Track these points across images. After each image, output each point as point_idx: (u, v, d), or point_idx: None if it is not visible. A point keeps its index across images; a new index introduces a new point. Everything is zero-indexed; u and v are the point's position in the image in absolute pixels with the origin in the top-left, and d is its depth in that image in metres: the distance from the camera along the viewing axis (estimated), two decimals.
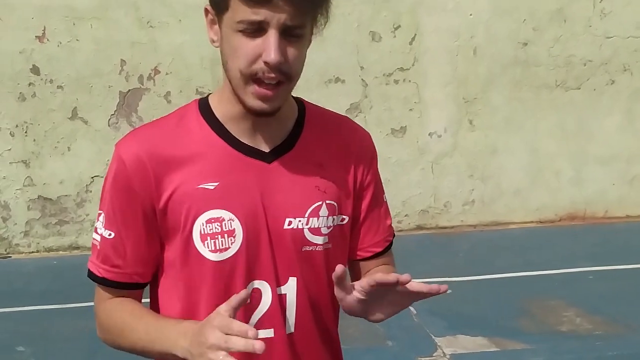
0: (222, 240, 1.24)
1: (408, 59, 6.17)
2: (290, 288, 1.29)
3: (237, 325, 1.07)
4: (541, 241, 5.91)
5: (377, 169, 1.42)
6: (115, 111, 5.86)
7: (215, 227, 1.24)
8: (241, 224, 1.25)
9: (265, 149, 1.27)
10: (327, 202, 1.30)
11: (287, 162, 1.28)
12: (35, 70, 5.72)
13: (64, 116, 5.80)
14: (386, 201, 1.45)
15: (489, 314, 4.37)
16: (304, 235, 1.29)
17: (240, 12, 1.15)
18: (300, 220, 1.28)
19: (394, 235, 1.47)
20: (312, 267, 1.30)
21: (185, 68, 5.87)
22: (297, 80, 1.23)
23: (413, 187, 6.32)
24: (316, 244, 1.30)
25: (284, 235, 1.27)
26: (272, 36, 1.15)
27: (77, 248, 5.93)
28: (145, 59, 5.82)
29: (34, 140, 5.79)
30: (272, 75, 1.17)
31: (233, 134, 1.26)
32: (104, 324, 1.34)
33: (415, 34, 6.15)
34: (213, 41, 1.25)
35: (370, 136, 1.41)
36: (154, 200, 1.24)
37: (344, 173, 1.34)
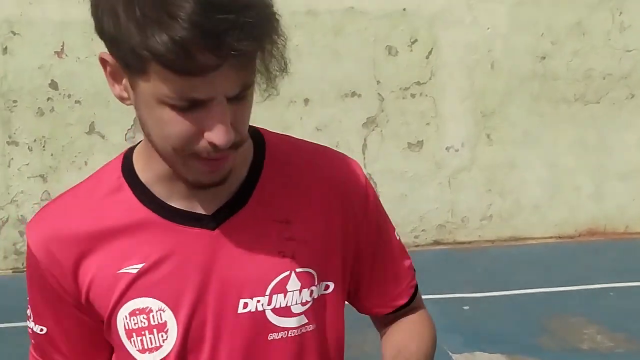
0: (150, 337, 0.98)
1: (425, 73, 6.15)
2: None
3: None
4: (561, 257, 5.83)
5: (376, 204, 1.10)
6: (132, 126, 5.88)
7: (142, 321, 0.98)
8: (174, 315, 0.97)
9: (207, 211, 0.98)
10: (298, 270, 1.00)
11: (238, 224, 0.99)
12: (53, 85, 5.76)
13: (81, 131, 5.83)
14: (399, 239, 1.14)
15: (507, 330, 4.31)
16: (268, 320, 0.99)
17: (167, 84, 0.85)
18: (259, 301, 0.99)
19: (415, 274, 1.18)
20: (297, 356, 1.02)
21: None
22: (247, 137, 0.97)
23: (430, 202, 6.28)
24: (287, 329, 1.00)
25: (239, 323, 0.99)
26: (218, 114, 0.87)
27: None
28: None
29: (52, 154, 5.83)
30: (220, 153, 0.90)
31: (161, 199, 0.98)
32: None
33: (432, 48, 6.13)
34: (122, 98, 0.95)
35: (358, 165, 1.09)
36: (74, 294, 1.01)
37: (324, 225, 1.03)
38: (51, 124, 5.79)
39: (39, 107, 5.77)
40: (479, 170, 6.31)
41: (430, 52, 6.13)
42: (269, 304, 0.99)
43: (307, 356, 1.04)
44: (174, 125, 0.88)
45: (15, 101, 5.74)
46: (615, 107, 6.40)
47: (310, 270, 1.02)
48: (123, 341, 1.00)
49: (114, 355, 1.07)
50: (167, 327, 0.98)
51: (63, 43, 5.72)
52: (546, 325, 4.38)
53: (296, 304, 1.01)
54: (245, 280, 0.99)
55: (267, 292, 0.99)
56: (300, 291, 1.01)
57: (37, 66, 5.71)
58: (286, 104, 6.02)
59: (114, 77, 0.94)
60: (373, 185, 1.16)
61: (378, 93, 6.11)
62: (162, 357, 0.99)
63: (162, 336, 0.98)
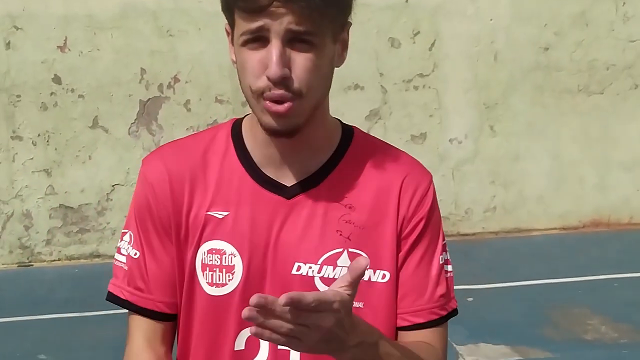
0: (219, 275, 1.14)
1: (428, 64, 6.13)
2: None
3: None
4: (565, 248, 5.83)
5: (435, 220, 1.18)
6: (135, 119, 5.89)
7: (215, 259, 1.14)
8: (242, 262, 1.13)
9: (288, 182, 1.14)
10: (350, 250, 1.13)
11: (310, 199, 1.13)
12: (57, 79, 5.76)
13: (85, 125, 5.84)
14: (448, 270, 1.21)
15: (511, 321, 4.31)
16: (315, 286, 1.12)
17: (241, 25, 1.05)
18: (311, 267, 1.12)
19: (450, 314, 1.21)
20: None
21: (204, 76, 5.89)
22: (314, 97, 1.08)
23: None
24: None
25: (291, 282, 1.12)
26: (273, 46, 1.02)
27: (98, 256, 5.96)
28: (165, 67, 5.85)
29: (56, 149, 5.84)
30: (277, 92, 1.04)
31: (256, 163, 1.15)
32: None
33: (435, 40, 6.12)
34: (233, 62, 1.13)
35: (430, 178, 1.20)
36: (174, 223, 1.16)
37: (381, 219, 1.14)
38: (55, 118, 5.80)
39: (42, 102, 5.77)
40: (483, 162, 6.30)
41: (433, 44, 6.12)
42: (318, 272, 1.13)
43: None
44: (248, 63, 1.06)
45: (18, 96, 5.75)
46: (619, 97, 6.38)
47: (363, 254, 1.13)
48: (197, 272, 1.15)
49: (183, 294, 1.18)
50: (234, 270, 1.14)
51: (66, 37, 5.72)
52: (550, 316, 4.38)
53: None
54: (303, 247, 1.13)
55: (319, 262, 1.13)
56: (345, 268, 1.12)
57: (40, 61, 5.71)
58: None
59: (230, 43, 1.13)
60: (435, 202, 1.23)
61: (381, 85, 6.10)
62: (224, 293, 1.14)
63: (228, 276, 1.14)
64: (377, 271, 1.14)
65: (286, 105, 1.05)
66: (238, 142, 1.18)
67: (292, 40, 1.03)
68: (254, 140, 1.16)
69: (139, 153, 5.89)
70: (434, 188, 1.21)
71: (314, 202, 1.14)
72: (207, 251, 1.15)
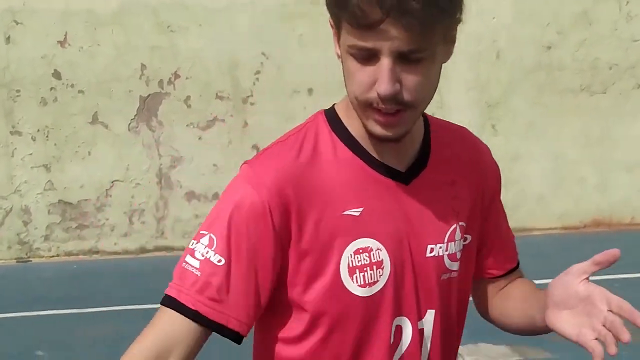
0: (370, 273, 1.11)
1: None
2: (427, 322, 1.17)
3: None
4: (565, 248, 5.81)
5: (500, 185, 1.32)
6: (135, 115, 5.87)
7: (364, 259, 1.10)
8: (388, 254, 1.12)
9: (402, 168, 1.15)
10: (460, 224, 1.19)
11: (424, 181, 1.16)
12: (56, 75, 5.75)
13: (84, 121, 5.82)
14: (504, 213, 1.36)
15: None
16: (444, 263, 1.17)
17: (349, 37, 1.03)
18: (440, 247, 1.16)
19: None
20: (448, 296, 1.20)
21: (205, 72, 5.87)
22: (424, 106, 1.10)
23: None
24: (452, 271, 1.18)
25: (426, 265, 1.15)
26: (383, 66, 1.01)
27: (97, 252, 5.94)
28: (165, 63, 5.83)
29: (55, 144, 5.82)
30: (388, 106, 1.04)
31: (371, 153, 1.13)
32: None
33: None
34: (338, 56, 1.12)
35: (487, 147, 1.31)
36: (293, 239, 1.08)
37: (473, 189, 1.22)
38: (54, 113, 5.78)
39: (42, 97, 5.75)
40: None
41: None
42: (446, 250, 1.17)
43: (461, 295, 1.23)
44: (355, 74, 1.05)
45: (18, 91, 5.73)
46: (621, 97, 6.36)
47: (464, 224, 1.21)
48: (342, 277, 1.10)
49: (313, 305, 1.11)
50: (383, 264, 1.12)
51: (66, 33, 5.70)
52: None
53: (458, 250, 1.19)
54: (430, 228, 1.16)
55: (445, 240, 1.17)
56: (460, 240, 1.20)
57: (40, 56, 5.70)
58: (290, 93, 5.99)
59: (335, 38, 1.10)
60: None
61: None
62: (376, 290, 1.12)
63: (379, 272, 1.11)
64: (466, 235, 1.21)
65: (397, 117, 1.06)
66: (344, 136, 1.14)
67: (402, 57, 1.02)
68: (361, 131, 1.13)
69: (139, 149, 5.87)
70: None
71: (427, 183, 1.17)
72: (354, 252, 1.10)
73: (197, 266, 1.07)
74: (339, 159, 1.12)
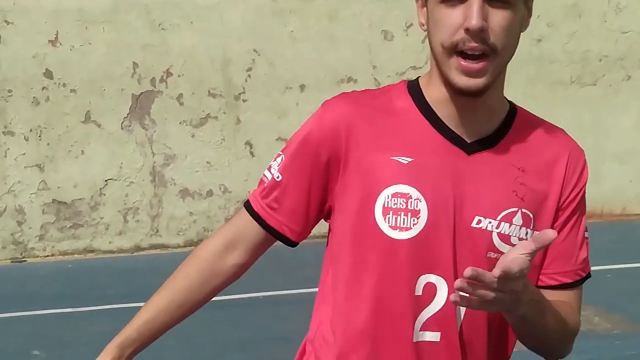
0: (404, 219, 1.15)
1: (421, 57, 6.13)
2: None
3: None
4: None
5: (584, 193, 1.27)
6: (128, 114, 5.87)
7: (401, 203, 1.15)
8: (427, 207, 1.15)
9: (468, 139, 1.19)
10: (523, 210, 1.18)
11: (488, 158, 1.18)
12: (48, 74, 5.74)
13: (77, 120, 5.81)
14: (587, 237, 1.29)
15: None
16: (492, 240, 1.16)
17: None
18: (490, 222, 1.16)
19: (588, 276, 1.30)
20: None
21: (197, 70, 5.87)
22: (506, 57, 1.15)
23: None
24: (502, 252, 1.15)
25: (471, 234, 1.16)
26: (473, 4, 1.09)
27: (92, 251, 5.95)
28: (157, 61, 5.83)
29: (48, 144, 5.81)
30: (474, 44, 1.10)
31: (439, 116, 1.19)
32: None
33: None
34: (422, 24, 1.22)
35: (584, 154, 1.27)
36: (342, 158, 1.19)
37: (548, 187, 1.21)
38: (47, 113, 5.77)
39: (34, 97, 5.74)
40: None
41: (426, 36, 6.11)
42: (497, 227, 1.17)
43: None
44: (444, 19, 1.12)
45: (10, 91, 5.72)
46: (611, 88, 6.40)
47: (531, 215, 1.19)
48: (376, 216, 1.17)
49: (334, 229, 1.24)
50: (420, 214, 1.15)
51: (57, 32, 5.69)
52: None
53: (515, 236, 1.17)
54: (483, 201, 1.17)
55: (498, 218, 1.17)
56: (520, 227, 1.18)
57: (32, 55, 5.68)
58: (282, 89, 6.00)
59: (420, 7, 1.21)
60: None
61: (374, 78, 6.09)
62: (409, 237, 1.15)
63: (413, 220, 1.15)
64: (534, 230, 1.19)
65: (481, 64, 1.11)
66: (418, 98, 1.22)
67: (490, 0, 1.10)
68: (435, 98, 1.20)
69: (132, 147, 5.87)
70: (586, 162, 1.29)
71: (492, 161, 1.18)
72: (392, 195, 1.16)
73: (269, 178, 1.25)
74: (409, 117, 1.21)
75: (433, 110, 1.20)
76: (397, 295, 1.17)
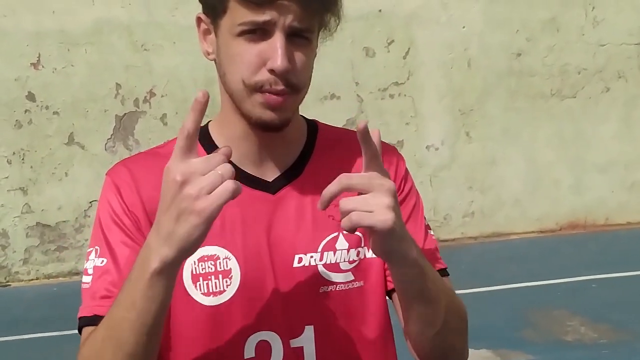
0: (216, 282, 1.08)
1: (403, 73, 6.18)
2: (307, 340, 1.10)
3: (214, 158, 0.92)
4: (543, 251, 5.88)
5: (411, 188, 1.20)
6: (112, 135, 5.86)
7: (209, 267, 1.08)
8: (239, 264, 1.08)
9: (270, 177, 1.12)
10: (345, 232, 1.08)
11: (294, 190, 1.12)
12: (30, 96, 5.72)
13: (60, 142, 5.79)
14: (429, 231, 1.24)
15: (492, 325, 4.34)
16: (319, 274, 1.11)
17: (240, 14, 1.02)
18: (312, 256, 1.10)
19: (445, 272, 1.22)
20: (335, 311, 1.12)
21: (180, 90, 5.87)
22: (304, 93, 1.10)
23: None
24: (335, 283, 1.11)
25: (294, 276, 1.10)
26: (278, 39, 1.02)
27: (77, 274, 5.90)
28: (141, 82, 5.83)
29: (31, 167, 5.78)
30: (280, 87, 1.04)
31: (233, 162, 1.07)
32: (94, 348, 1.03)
33: (409, 48, 6.17)
34: (208, 53, 1.13)
35: (396, 151, 1.22)
36: (146, 229, 1.07)
37: None
38: (30, 135, 5.75)
39: (16, 120, 5.72)
40: (459, 168, 6.35)
41: (407, 52, 6.17)
42: (320, 260, 1.11)
43: (353, 310, 1.13)
44: (244, 55, 1.04)
45: None
46: (591, 101, 6.48)
47: (357, 233, 1.12)
48: (185, 284, 1.08)
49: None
50: (232, 274, 1.08)
51: (39, 54, 5.68)
52: (530, 319, 4.41)
53: (344, 261, 1.12)
54: (300, 238, 1.11)
55: (319, 249, 1.11)
56: (348, 250, 1.12)
57: (14, 78, 5.67)
58: None
59: (205, 33, 1.11)
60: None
61: (357, 94, 6.13)
62: (224, 300, 1.08)
63: (226, 282, 1.08)
64: (364, 245, 1.14)
65: (282, 98, 1.05)
66: (208, 145, 1.13)
67: (291, 36, 1.04)
68: (227, 139, 1.11)
69: None
70: (402, 157, 1.22)
71: (300, 192, 1.13)
72: (198, 260, 1.08)
73: (89, 281, 1.08)
74: None
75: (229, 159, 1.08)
76: None
